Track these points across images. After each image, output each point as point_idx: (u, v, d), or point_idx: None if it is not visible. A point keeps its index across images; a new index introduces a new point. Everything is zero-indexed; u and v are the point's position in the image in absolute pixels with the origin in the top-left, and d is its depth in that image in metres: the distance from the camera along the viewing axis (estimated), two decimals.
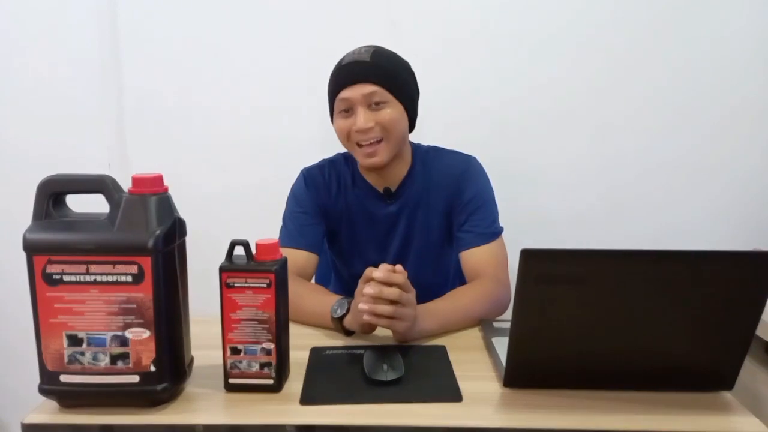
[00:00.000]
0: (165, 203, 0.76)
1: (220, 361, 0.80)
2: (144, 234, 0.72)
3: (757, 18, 1.54)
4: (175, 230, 0.76)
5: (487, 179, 1.23)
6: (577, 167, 1.65)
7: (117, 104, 1.66)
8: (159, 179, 0.77)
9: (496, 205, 1.22)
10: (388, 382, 0.82)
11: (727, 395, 0.81)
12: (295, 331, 0.88)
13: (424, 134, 1.28)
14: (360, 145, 1.12)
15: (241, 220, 1.47)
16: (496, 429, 0.74)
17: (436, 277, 1.27)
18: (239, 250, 0.79)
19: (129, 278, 0.72)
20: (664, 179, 1.64)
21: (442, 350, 0.94)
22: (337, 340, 0.99)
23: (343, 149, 1.21)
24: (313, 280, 1.24)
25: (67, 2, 1.60)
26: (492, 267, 1.14)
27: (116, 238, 0.73)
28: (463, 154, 1.25)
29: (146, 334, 0.74)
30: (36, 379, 0.75)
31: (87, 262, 0.72)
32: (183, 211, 0.79)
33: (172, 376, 0.77)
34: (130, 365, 0.75)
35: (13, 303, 1.34)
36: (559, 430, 0.73)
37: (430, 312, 0.99)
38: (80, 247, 0.72)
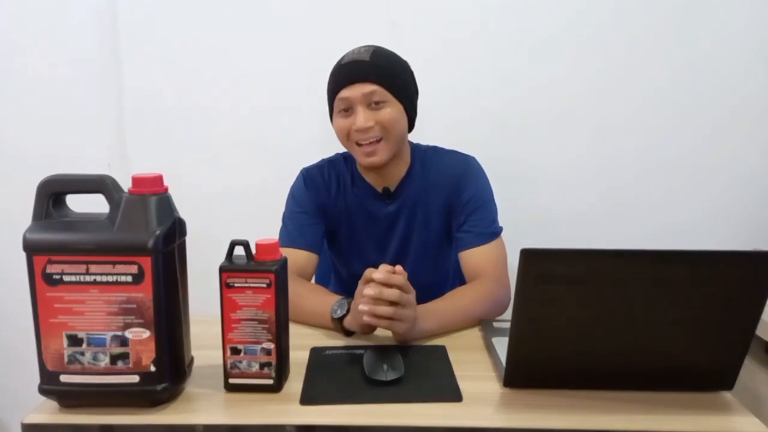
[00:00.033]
0: (165, 203, 0.76)
1: (220, 361, 0.80)
2: (144, 234, 0.72)
3: (757, 18, 1.54)
4: (175, 230, 0.76)
5: (486, 179, 1.23)
6: (577, 167, 1.65)
7: (117, 104, 1.66)
8: (159, 179, 0.77)
9: (495, 205, 1.22)
10: (388, 382, 0.82)
11: (727, 395, 0.81)
12: (295, 331, 0.88)
13: (424, 134, 1.28)
14: (359, 145, 1.12)
15: (241, 220, 1.47)
16: (496, 429, 0.74)
17: (435, 276, 1.27)
18: (239, 250, 0.79)
19: (129, 278, 0.72)
20: (664, 179, 1.64)
21: (442, 350, 0.94)
22: (337, 340, 0.99)
23: (342, 149, 1.21)
24: (313, 280, 1.24)
25: (67, 2, 1.60)
26: (492, 267, 1.14)
27: (116, 238, 0.73)
28: (462, 154, 1.25)
29: (146, 334, 0.74)
30: (36, 379, 0.75)
31: (87, 262, 0.72)
32: (183, 211, 0.79)
33: (172, 376, 0.77)
34: (130, 365, 0.75)
35: (13, 303, 1.34)
36: (559, 430, 0.73)
37: (429, 312, 0.99)
38: (80, 247, 0.72)
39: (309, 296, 1.07)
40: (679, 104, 1.60)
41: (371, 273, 0.90)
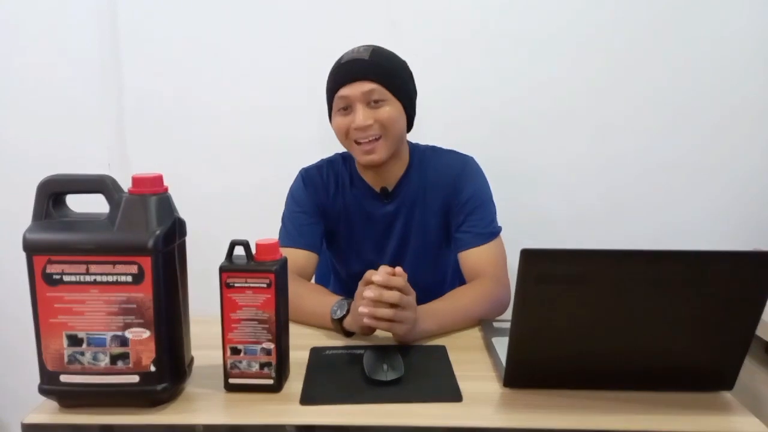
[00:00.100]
0: (165, 203, 0.76)
1: (220, 361, 0.80)
2: (144, 234, 0.72)
3: (757, 18, 1.54)
4: (175, 230, 0.76)
5: (485, 179, 1.23)
6: (577, 167, 1.65)
7: (117, 104, 1.66)
8: (159, 179, 0.77)
9: (494, 205, 1.22)
10: (388, 382, 0.82)
11: (727, 395, 0.81)
12: (295, 331, 0.88)
13: (424, 134, 1.28)
14: (358, 143, 1.12)
15: (241, 220, 1.46)
16: (496, 429, 0.74)
17: (434, 276, 1.27)
18: (239, 250, 0.79)
19: (129, 278, 0.72)
20: (664, 179, 1.64)
21: (442, 350, 0.94)
22: (337, 340, 0.99)
23: (342, 149, 1.21)
24: (312, 280, 1.24)
25: (67, 2, 1.60)
26: (491, 267, 1.14)
27: (116, 238, 0.73)
28: (461, 153, 1.25)
29: (146, 334, 0.74)
30: (36, 379, 0.76)
31: (87, 262, 0.72)
32: (183, 211, 0.79)
33: (172, 376, 0.77)
34: (130, 365, 0.75)
35: (13, 303, 1.34)
36: (559, 430, 0.73)
37: (429, 313, 0.99)
38: (80, 247, 0.72)
39: (309, 296, 1.07)
40: (679, 104, 1.60)
41: (371, 275, 0.90)
